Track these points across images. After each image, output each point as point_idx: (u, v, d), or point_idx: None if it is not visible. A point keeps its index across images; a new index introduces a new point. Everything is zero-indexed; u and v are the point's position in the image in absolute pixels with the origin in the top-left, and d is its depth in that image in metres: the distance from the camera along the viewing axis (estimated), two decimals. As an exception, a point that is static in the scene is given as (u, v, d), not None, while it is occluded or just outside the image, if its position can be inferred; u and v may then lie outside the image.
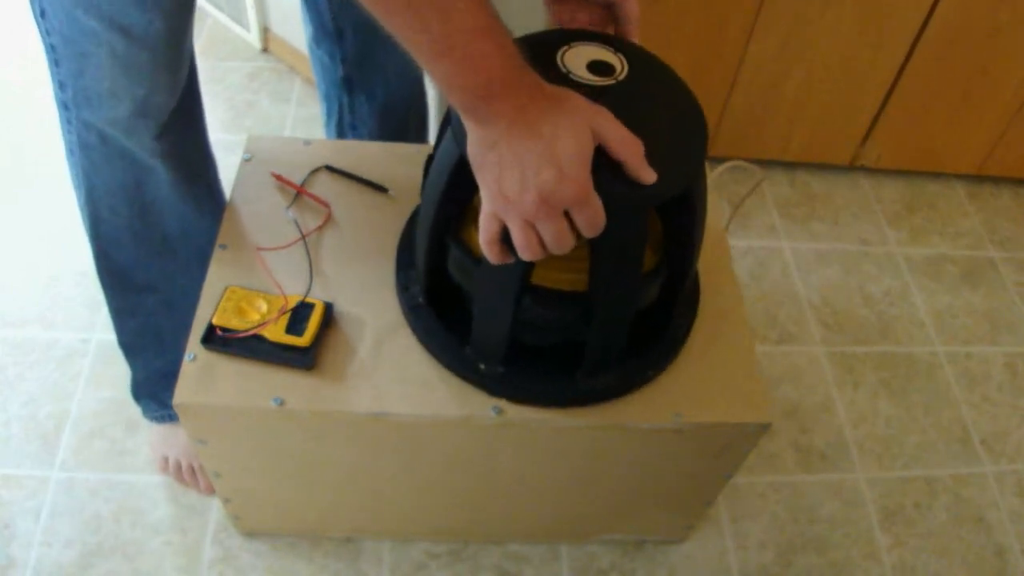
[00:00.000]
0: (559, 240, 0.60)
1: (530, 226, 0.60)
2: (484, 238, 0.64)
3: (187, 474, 1.16)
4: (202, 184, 1.03)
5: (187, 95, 0.92)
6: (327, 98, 1.15)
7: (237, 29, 1.83)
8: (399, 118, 1.16)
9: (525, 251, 0.62)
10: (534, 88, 0.58)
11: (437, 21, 0.53)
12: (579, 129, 0.58)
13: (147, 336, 1.11)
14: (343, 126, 1.17)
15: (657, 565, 1.15)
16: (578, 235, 0.78)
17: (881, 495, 1.26)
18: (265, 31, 1.79)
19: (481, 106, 0.57)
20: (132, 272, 1.04)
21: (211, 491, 1.17)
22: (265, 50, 1.82)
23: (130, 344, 1.13)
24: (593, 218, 0.60)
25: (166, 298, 1.06)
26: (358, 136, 1.17)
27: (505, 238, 0.63)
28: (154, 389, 1.15)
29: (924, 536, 1.23)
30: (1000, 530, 1.25)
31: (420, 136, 1.26)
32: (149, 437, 1.20)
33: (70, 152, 0.93)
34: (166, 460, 1.17)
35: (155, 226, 1.00)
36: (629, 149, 0.61)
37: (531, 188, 0.57)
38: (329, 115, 1.17)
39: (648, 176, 0.63)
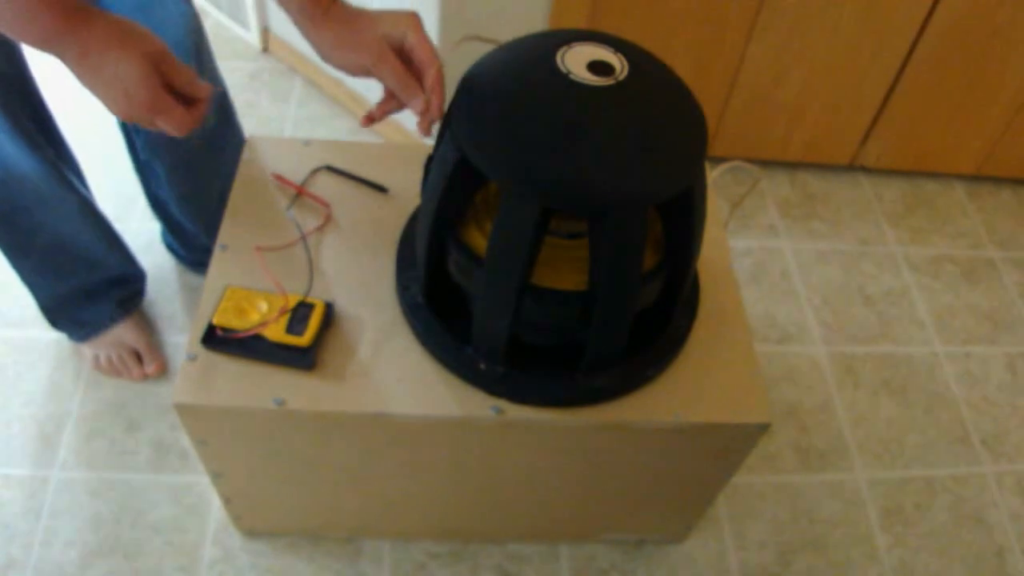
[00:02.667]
0: (174, 131, 0.71)
1: (152, 123, 0.71)
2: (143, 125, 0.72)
3: (119, 363, 1.25)
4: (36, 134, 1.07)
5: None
6: (122, 125, 1.15)
7: (237, 29, 1.83)
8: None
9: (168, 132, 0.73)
10: (93, 32, 0.66)
11: None
12: (132, 59, 0.67)
13: (46, 271, 1.17)
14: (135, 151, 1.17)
15: (657, 565, 1.15)
16: (578, 234, 0.78)
17: (881, 495, 1.26)
18: (265, 31, 1.79)
19: (49, 50, 0.66)
20: (15, 215, 1.08)
21: (156, 372, 1.26)
22: (265, 50, 1.82)
23: (33, 280, 1.19)
24: (175, 124, 0.71)
25: (54, 233, 1.12)
26: (151, 163, 1.15)
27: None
28: (70, 312, 1.24)
29: (924, 536, 1.23)
30: (1000, 530, 1.25)
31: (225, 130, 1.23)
32: (79, 351, 1.28)
33: None
34: (97, 358, 1.26)
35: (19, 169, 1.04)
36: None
37: (119, 111, 0.70)
38: (127, 140, 1.18)
39: None
